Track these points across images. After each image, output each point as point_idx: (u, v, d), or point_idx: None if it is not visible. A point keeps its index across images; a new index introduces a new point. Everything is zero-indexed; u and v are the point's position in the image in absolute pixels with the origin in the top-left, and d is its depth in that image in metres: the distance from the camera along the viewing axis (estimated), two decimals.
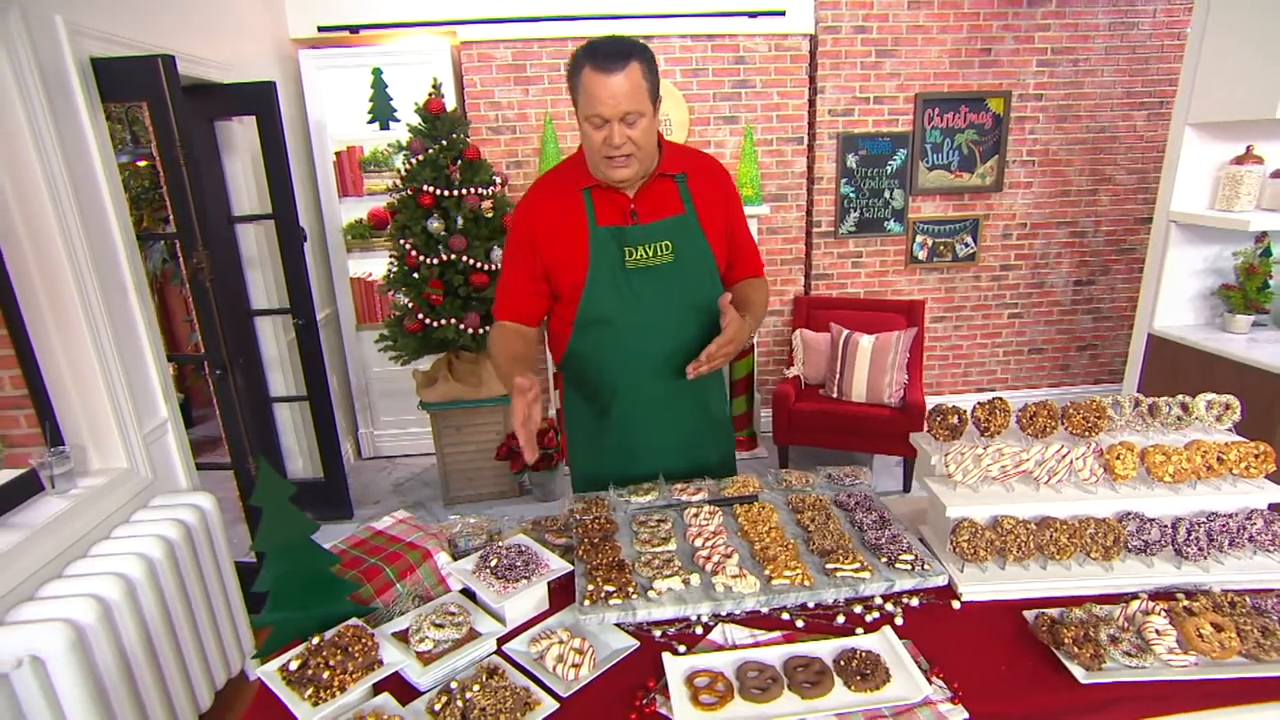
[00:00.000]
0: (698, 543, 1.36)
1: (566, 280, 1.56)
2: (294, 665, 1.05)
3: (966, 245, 4.35)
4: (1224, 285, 2.92)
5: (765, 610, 1.24)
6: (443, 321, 3.20)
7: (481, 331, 3.26)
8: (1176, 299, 3.02)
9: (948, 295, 4.45)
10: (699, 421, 1.72)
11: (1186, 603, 1.19)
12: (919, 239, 4.30)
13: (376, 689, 1.08)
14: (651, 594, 1.22)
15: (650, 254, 1.54)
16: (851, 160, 4.13)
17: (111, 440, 2.24)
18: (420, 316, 3.20)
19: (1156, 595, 1.25)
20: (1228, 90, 2.64)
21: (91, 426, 2.22)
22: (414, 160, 3.18)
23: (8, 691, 1.66)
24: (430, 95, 3.20)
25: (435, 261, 3.18)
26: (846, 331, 3.82)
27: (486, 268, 3.24)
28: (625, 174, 1.47)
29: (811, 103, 4.06)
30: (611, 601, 1.19)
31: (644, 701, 1.05)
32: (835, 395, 3.83)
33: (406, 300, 3.24)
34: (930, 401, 4.18)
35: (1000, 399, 1.45)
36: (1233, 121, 2.68)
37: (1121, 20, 4.04)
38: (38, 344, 2.09)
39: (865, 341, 3.75)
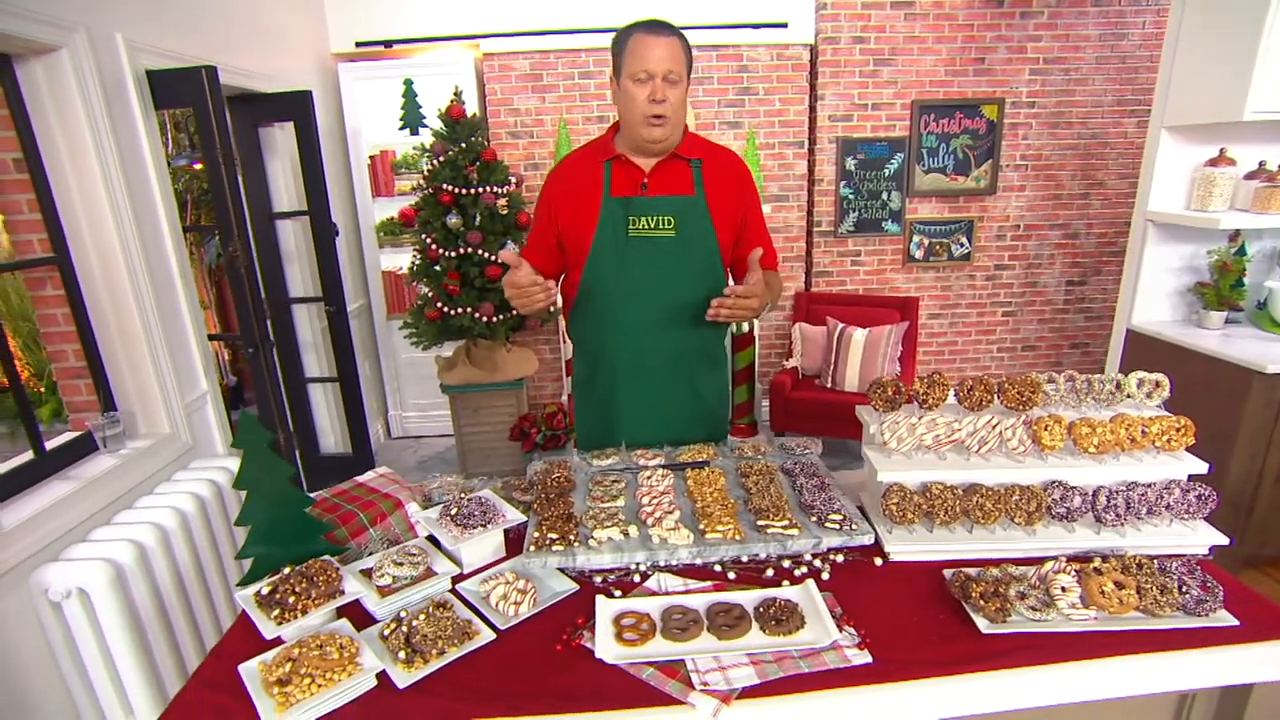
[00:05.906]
0: (645, 500, 1.38)
1: (576, 244, 1.59)
2: (265, 590, 1.11)
3: (962, 245, 4.26)
4: (1199, 282, 2.83)
5: (699, 562, 1.26)
6: (459, 310, 3.27)
7: (495, 320, 3.32)
8: (1154, 295, 2.93)
9: (944, 293, 4.36)
10: (687, 399, 1.70)
11: (1097, 564, 1.17)
12: (916, 239, 4.24)
13: (340, 616, 1.14)
14: (592, 542, 1.24)
15: (652, 225, 1.55)
16: (850, 163, 4.08)
17: (156, 408, 2.36)
18: (439, 305, 3.28)
19: (1074, 558, 1.23)
20: (1200, 93, 2.55)
21: (139, 396, 2.34)
22: (436, 161, 3.25)
23: (61, 620, 1.79)
24: (451, 102, 3.27)
25: (454, 255, 3.25)
26: (840, 325, 3.79)
27: (500, 261, 3.30)
28: (660, 134, 1.48)
29: (812, 109, 4.03)
30: (554, 548, 1.22)
31: (570, 636, 1.08)
32: (829, 385, 3.80)
33: (427, 290, 3.32)
34: None
35: (939, 373, 1.44)
36: (1206, 124, 2.59)
37: (1112, 31, 3.91)
38: (95, 322, 2.22)
39: (858, 335, 3.72)
